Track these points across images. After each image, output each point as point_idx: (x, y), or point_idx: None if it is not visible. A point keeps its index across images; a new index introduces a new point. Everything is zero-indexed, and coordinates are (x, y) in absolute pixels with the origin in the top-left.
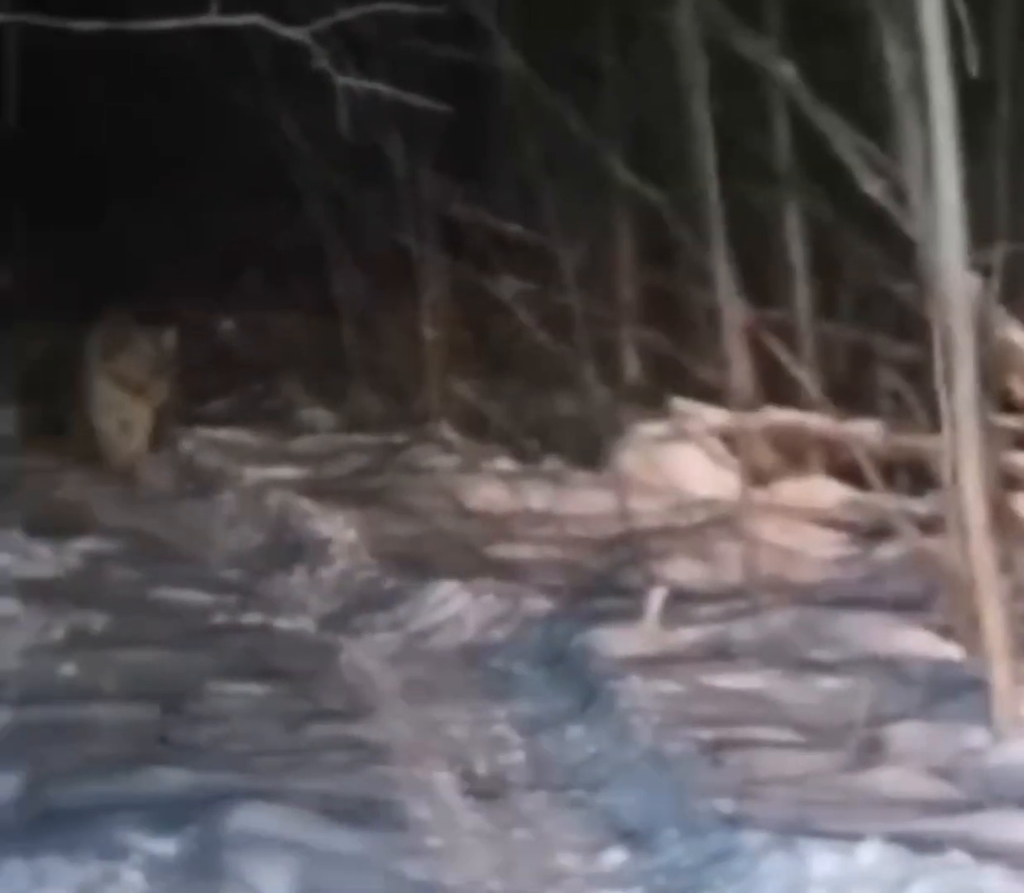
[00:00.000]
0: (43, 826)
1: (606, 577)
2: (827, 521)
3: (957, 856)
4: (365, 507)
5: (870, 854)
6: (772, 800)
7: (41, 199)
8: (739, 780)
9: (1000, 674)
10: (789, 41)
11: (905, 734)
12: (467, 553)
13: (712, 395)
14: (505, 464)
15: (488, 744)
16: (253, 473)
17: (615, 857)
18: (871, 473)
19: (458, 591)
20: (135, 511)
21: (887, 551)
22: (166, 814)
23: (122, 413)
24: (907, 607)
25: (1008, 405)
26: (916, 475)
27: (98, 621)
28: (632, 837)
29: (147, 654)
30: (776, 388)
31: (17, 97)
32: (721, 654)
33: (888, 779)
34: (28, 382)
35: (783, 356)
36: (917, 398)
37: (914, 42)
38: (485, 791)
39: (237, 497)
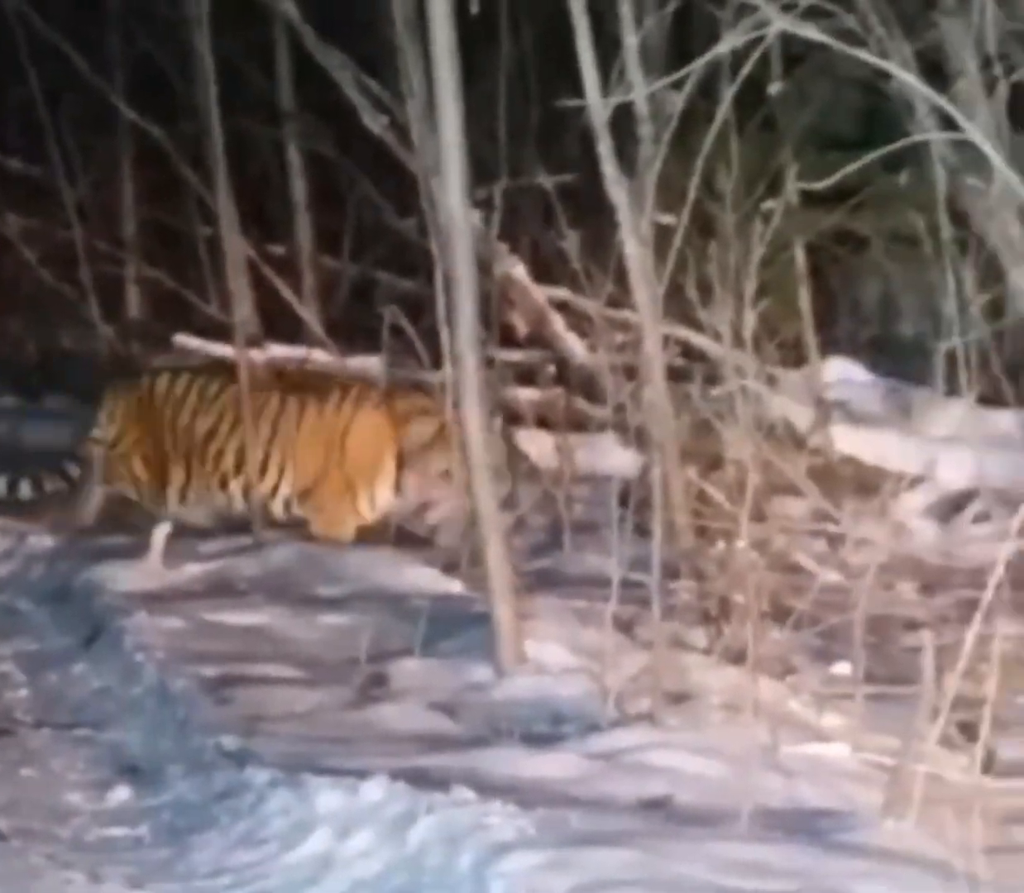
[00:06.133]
0: None
1: (110, 514)
2: None
3: (461, 792)
4: None
5: (375, 791)
6: (278, 736)
7: None
8: (244, 716)
9: (502, 610)
10: None
11: (409, 670)
12: None
13: (218, 331)
14: (8, 401)
15: None
16: None
17: (121, 794)
18: None
19: None
20: None
21: None
22: None
23: None
24: (411, 543)
25: (509, 340)
26: None
27: None
28: (138, 774)
29: None
30: (282, 323)
31: None
32: (226, 590)
33: (392, 715)
34: None
35: (285, 292)
36: (419, 333)
37: None
38: None
39: None
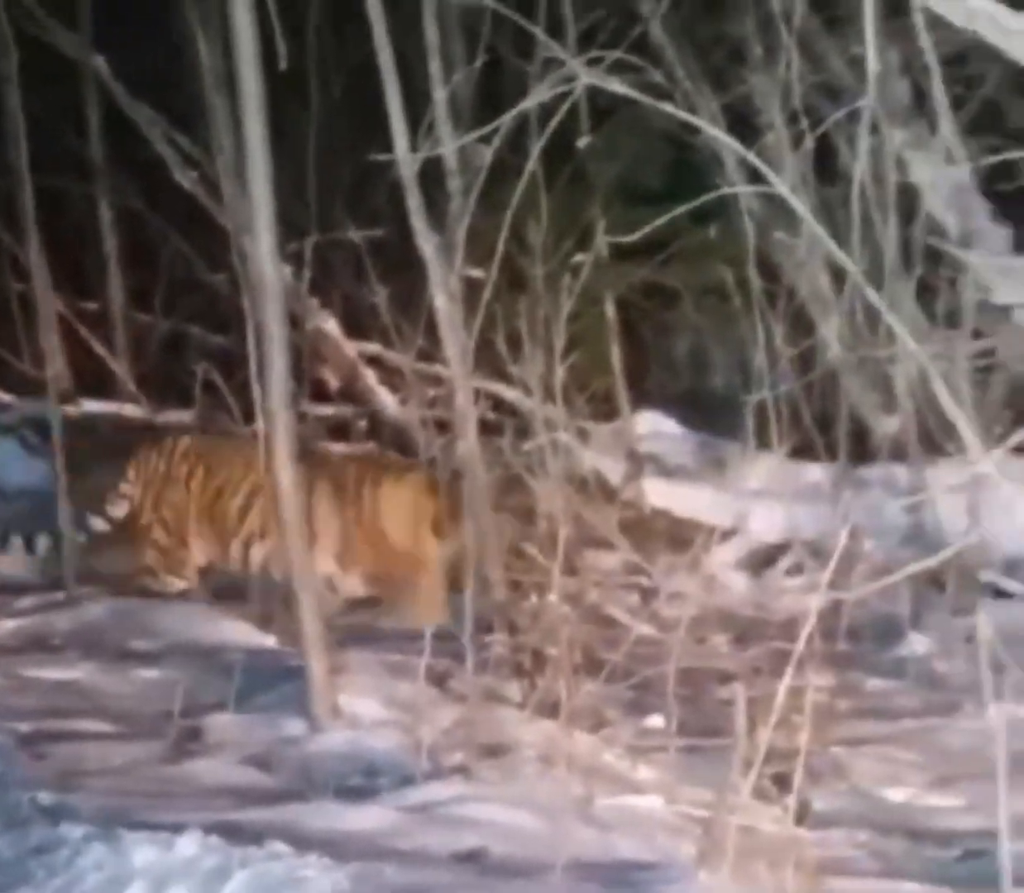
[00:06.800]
0: None
1: None
2: None
3: (276, 846)
4: None
5: (190, 845)
6: (93, 791)
7: None
8: (60, 771)
9: (316, 664)
10: (103, 35)
11: (223, 724)
12: None
13: (30, 386)
14: None
15: None
16: None
17: None
18: None
19: None
20: None
21: None
22: None
23: None
24: (226, 597)
25: (321, 394)
26: None
27: None
28: None
29: None
30: (94, 378)
31: None
32: (40, 645)
33: (207, 769)
34: None
35: (98, 348)
36: (231, 388)
37: (223, 37)
38: None
39: None
